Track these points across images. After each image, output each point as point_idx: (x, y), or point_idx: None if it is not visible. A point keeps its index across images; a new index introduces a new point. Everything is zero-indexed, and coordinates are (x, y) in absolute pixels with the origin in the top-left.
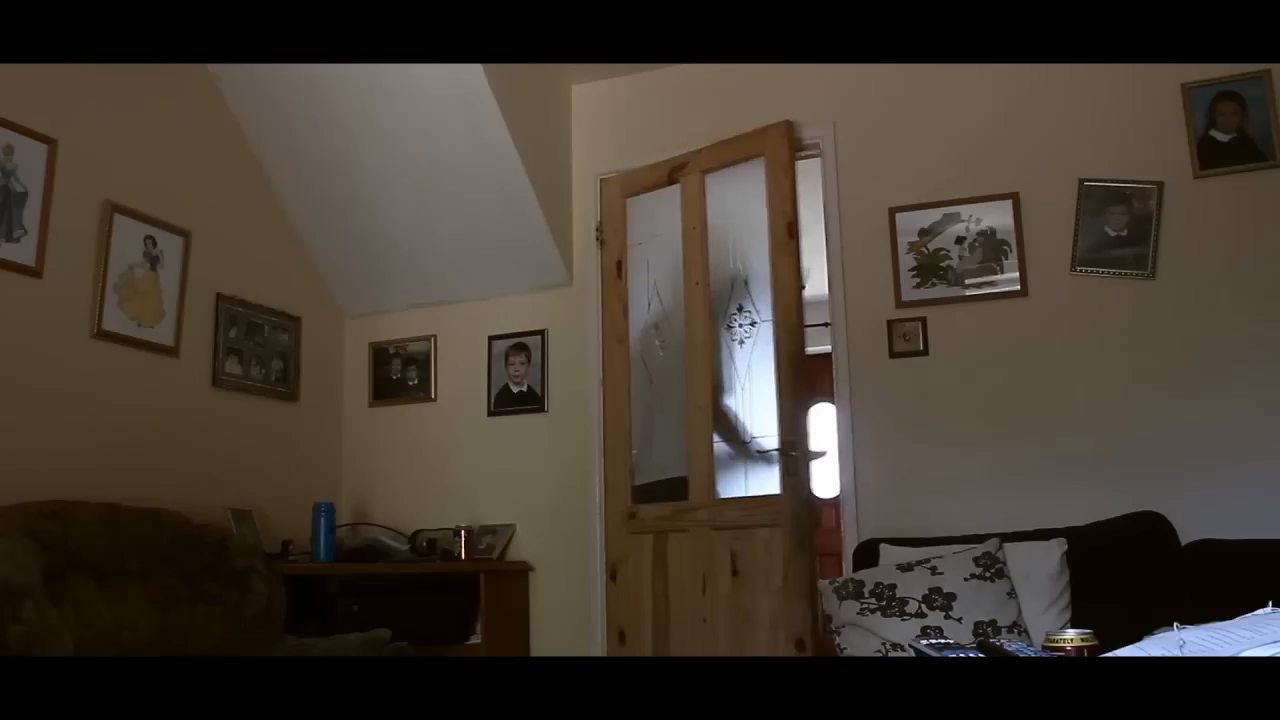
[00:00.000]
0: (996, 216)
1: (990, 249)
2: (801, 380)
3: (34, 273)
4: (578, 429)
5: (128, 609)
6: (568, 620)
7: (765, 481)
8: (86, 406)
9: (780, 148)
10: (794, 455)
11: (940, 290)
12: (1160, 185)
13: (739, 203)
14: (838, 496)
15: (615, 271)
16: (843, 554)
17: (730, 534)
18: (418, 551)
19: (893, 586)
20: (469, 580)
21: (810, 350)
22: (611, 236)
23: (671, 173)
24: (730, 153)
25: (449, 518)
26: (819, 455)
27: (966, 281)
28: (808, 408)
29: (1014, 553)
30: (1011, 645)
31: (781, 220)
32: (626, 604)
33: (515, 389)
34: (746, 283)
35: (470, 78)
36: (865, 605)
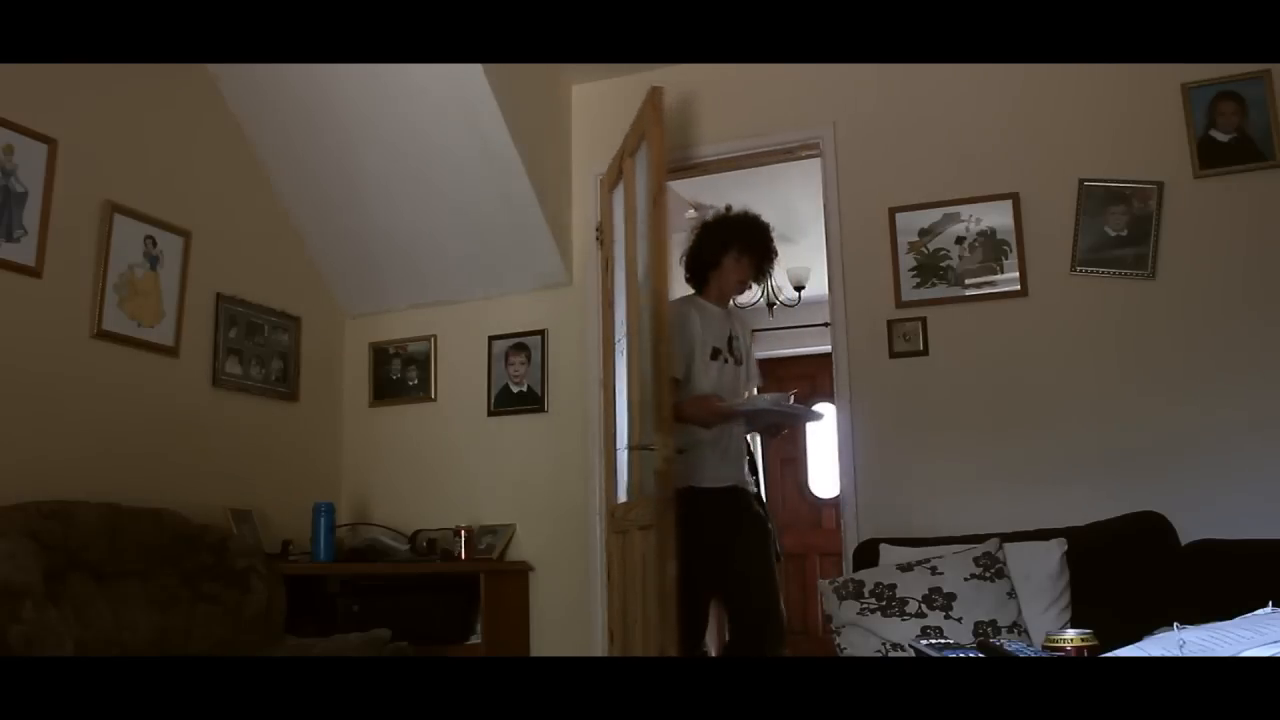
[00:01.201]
0: (996, 216)
1: (990, 249)
2: (658, 369)
3: (34, 273)
4: (578, 429)
5: (128, 609)
6: (568, 620)
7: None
8: (86, 406)
9: (648, 115)
10: (651, 449)
11: (940, 290)
12: (1160, 185)
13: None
14: (838, 496)
15: (605, 269)
16: (843, 554)
17: (643, 534)
18: (418, 551)
19: (893, 586)
20: (469, 580)
21: (810, 350)
22: (605, 234)
23: (620, 161)
24: (636, 131)
25: (449, 518)
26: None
27: (966, 281)
28: (666, 398)
29: (1014, 553)
30: (1011, 645)
31: (648, 192)
32: (611, 603)
33: (515, 389)
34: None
35: (470, 78)
36: (865, 605)
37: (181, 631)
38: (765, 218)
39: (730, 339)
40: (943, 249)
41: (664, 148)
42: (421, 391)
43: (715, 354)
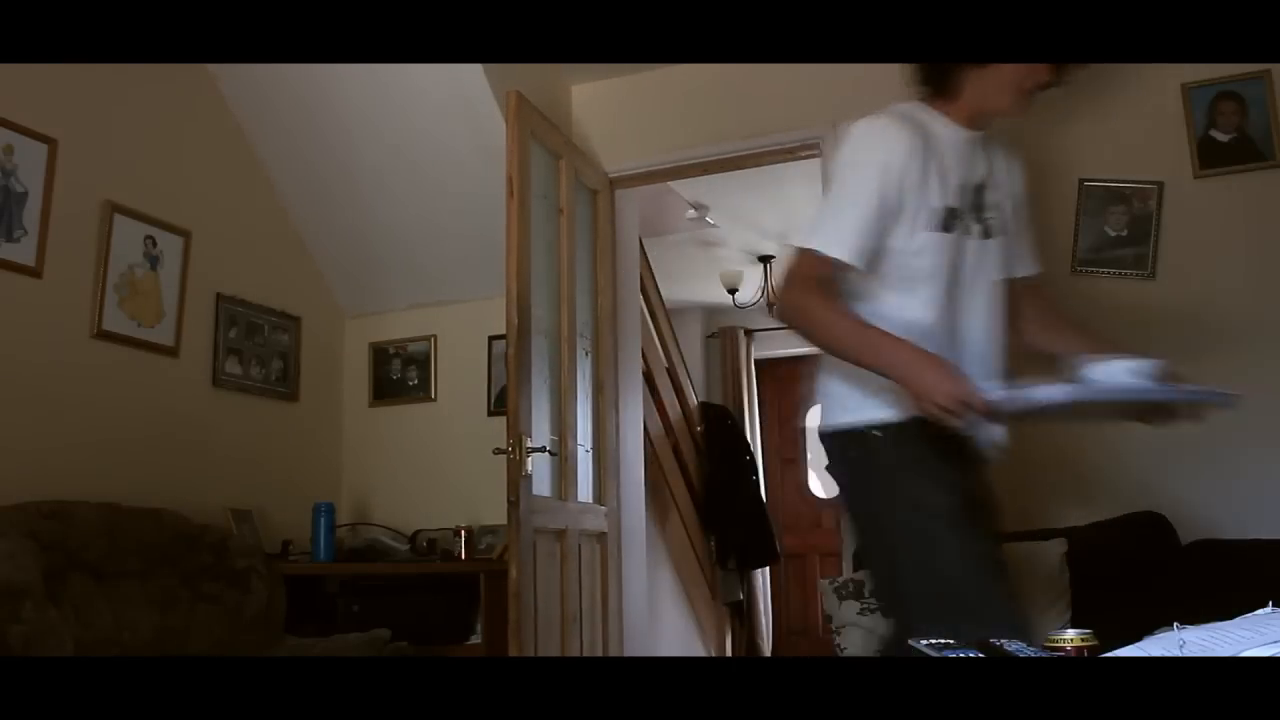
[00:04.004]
0: None
1: None
2: (522, 367)
3: (34, 273)
4: None
5: (128, 609)
6: None
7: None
8: (86, 406)
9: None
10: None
11: None
12: (1160, 185)
13: None
14: (838, 496)
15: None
16: (842, 554)
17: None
18: (418, 551)
19: None
20: (469, 580)
21: (811, 350)
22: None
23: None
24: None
25: (449, 518)
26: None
27: None
28: (528, 395)
29: (1014, 553)
30: (1011, 645)
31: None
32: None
33: None
34: None
35: (470, 78)
36: (865, 605)
37: (181, 631)
38: (765, 218)
39: (978, 189)
40: None
41: (512, 154)
42: (421, 391)
43: (951, 220)
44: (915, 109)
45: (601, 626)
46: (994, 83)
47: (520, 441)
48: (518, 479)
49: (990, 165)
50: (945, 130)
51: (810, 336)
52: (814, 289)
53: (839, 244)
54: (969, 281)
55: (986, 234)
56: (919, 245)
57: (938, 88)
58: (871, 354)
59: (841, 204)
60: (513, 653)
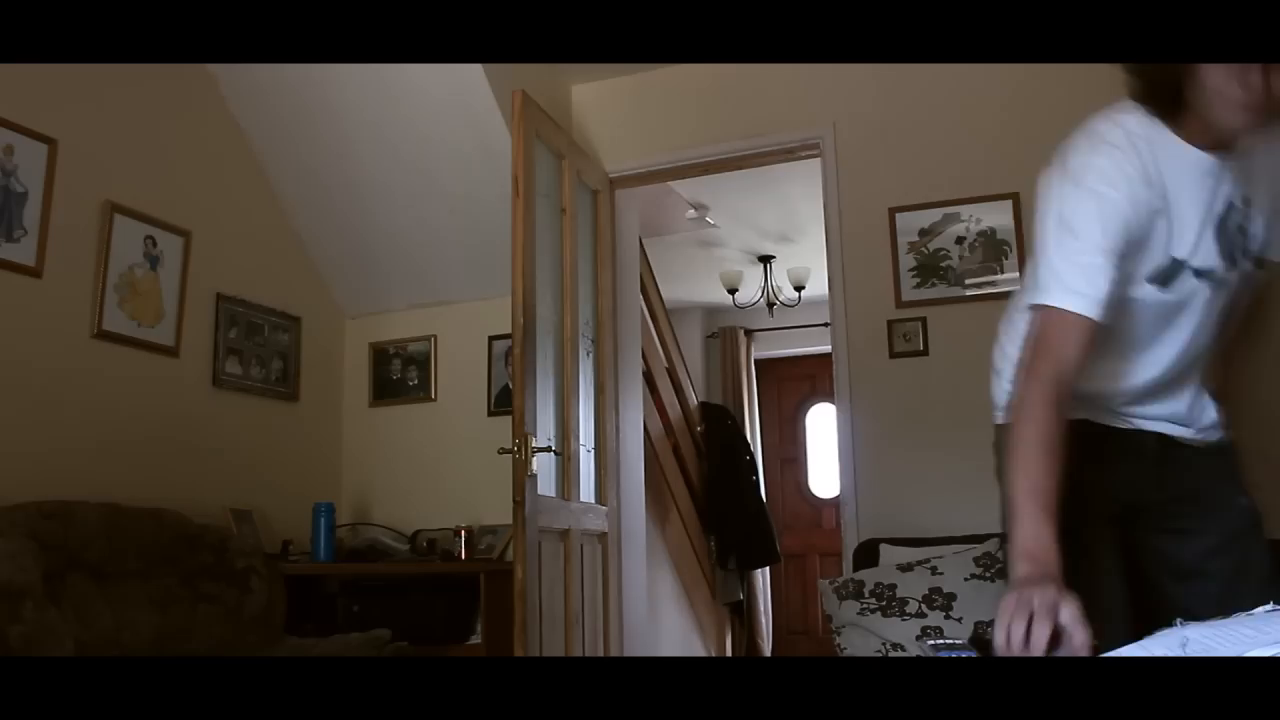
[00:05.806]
0: (996, 216)
1: (990, 249)
2: (527, 367)
3: (34, 273)
4: None
5: (128, 609)
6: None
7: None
8: (86, 406)
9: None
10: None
11: (940, 290)
12: None
13: None
14: (838, 496)
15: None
16: (843, 554)
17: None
18: (418, 551)
19: (893, 586)
20: (469, 580)
21: (810, 350)
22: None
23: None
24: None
25: (449, 518)
26: None
27: (966, 281)
28: (533, 395)
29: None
30: None
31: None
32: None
33: None
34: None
35: (470, 78)
36: (865, 605)
37: (181, 631)
38: (765, 218)
39: (1222, 222)
40: (943, 249)
41: (517, 152)
42: (421, 391)
43: (1168, 274)
44: (1154, 126)
45: (602, 626)
46: (1208, 108)
47: (526, 441)
48: (523, 479)
49: (1240, 185)
50: (1177, 151)
51: (1014, 429)
52: (1051, 399)
53: (1088, 299)
54: (1179, 322)
55: (1227, 269)
56: (1139, 299)
57: (1164, 112)
58: (1013, 494)
59: (1079, 247)
60: (518, 653)
